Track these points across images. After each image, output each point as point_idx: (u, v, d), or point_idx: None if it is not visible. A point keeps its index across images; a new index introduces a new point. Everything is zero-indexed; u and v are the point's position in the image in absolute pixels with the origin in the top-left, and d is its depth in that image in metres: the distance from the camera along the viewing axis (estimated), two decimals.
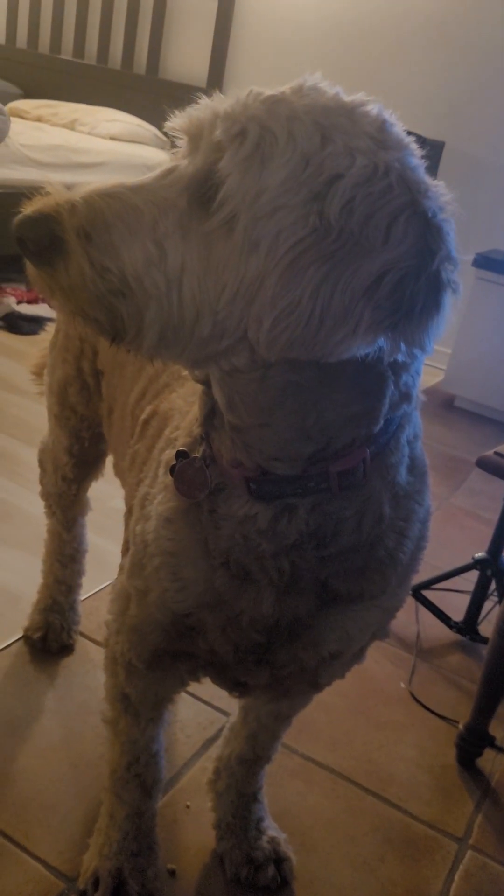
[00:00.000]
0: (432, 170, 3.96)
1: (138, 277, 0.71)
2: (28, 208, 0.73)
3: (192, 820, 1.37)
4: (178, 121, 0.77)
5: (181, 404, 1.04)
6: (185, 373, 1.07)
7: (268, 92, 0.73)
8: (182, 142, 0.78)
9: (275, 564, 0.88)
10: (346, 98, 0.74)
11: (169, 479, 0.94)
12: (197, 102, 0.76)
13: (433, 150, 3.71)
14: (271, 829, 1.35)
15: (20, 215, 0.73)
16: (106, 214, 0.72)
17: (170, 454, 0.96)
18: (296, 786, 1.50)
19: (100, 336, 0.76)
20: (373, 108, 0.73)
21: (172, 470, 0.91)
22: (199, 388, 0.89)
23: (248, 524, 0.87)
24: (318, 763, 1.56)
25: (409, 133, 0.74)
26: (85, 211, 0.72)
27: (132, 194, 0.73)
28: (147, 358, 0.77)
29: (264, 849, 1.31)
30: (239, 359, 0.75)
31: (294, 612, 0.91)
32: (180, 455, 0.91)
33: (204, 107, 0.75)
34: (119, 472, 1.33)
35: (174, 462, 0.91)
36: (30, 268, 0.75)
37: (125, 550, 1.06)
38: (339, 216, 0.66)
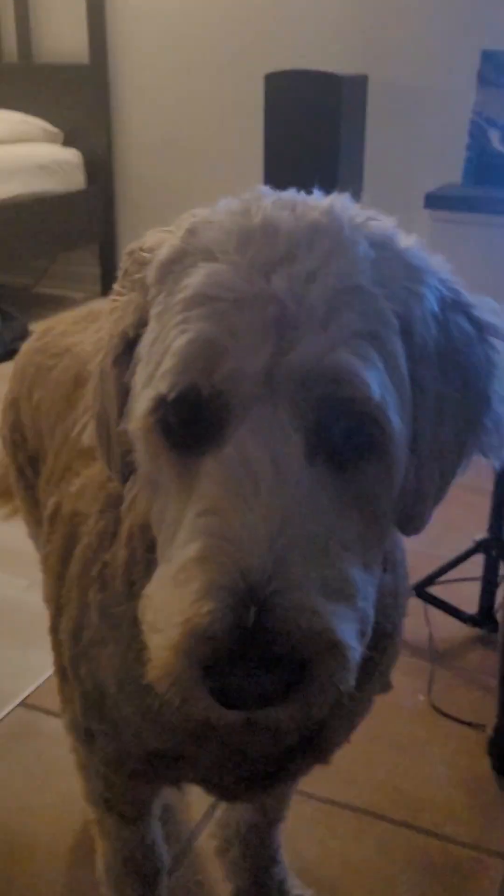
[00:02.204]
0: (360, 107, 3.67)
1: None
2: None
3: None
4: None
5: (85, 506, 0.85)
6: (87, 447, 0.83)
7: None
8: None
9: None
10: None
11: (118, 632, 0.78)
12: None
13: (357, 86, 3.46)
14: (295, 888, 1.24)
15: None
16: None
17: (103, 598, 0.79)
18: (317, 833, 1.36)
19: None
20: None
21: None
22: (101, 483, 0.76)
23: None
24: (339, 803, 1.42)
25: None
26: None
27: None
28: None
29: None
30: None
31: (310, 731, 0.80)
32: None
33: None
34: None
35: None
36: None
37: (58, 671, 0.89)
38: None
